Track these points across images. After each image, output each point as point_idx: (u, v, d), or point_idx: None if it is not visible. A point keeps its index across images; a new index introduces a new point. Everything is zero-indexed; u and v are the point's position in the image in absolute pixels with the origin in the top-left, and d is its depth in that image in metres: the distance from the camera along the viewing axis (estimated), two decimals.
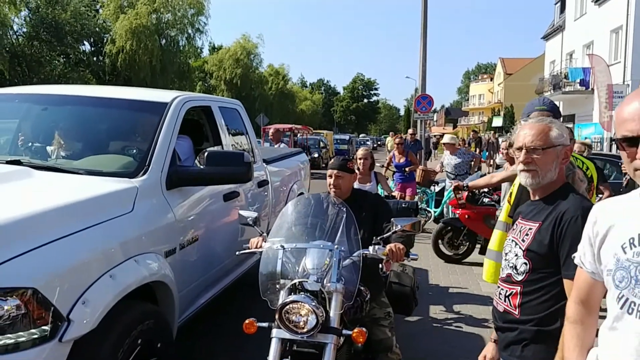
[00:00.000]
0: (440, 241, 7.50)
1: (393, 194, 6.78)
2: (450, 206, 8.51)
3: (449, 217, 7.75)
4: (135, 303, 2.77)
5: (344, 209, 2.94)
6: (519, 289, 2.08)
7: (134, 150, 3.57)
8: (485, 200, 7.16)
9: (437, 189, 10.18)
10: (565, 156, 2.12)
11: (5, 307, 2.12)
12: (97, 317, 2.39)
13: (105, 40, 35.42)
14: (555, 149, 2.08)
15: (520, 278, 2.08)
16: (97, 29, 35.16)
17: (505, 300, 2.13)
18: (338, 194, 3.25)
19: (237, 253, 3.12)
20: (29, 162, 3.34)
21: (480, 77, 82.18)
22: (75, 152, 3.62)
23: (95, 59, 36.73)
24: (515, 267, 2.09)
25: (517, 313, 2.09)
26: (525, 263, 2.06)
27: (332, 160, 3.40)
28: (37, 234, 2.35)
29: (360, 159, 6.19)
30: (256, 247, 2.95)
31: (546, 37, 34.57)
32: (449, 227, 7.45)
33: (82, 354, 2.35)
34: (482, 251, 7.25)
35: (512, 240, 2.16)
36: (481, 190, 7.07)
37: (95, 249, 2.58)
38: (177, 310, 3.22)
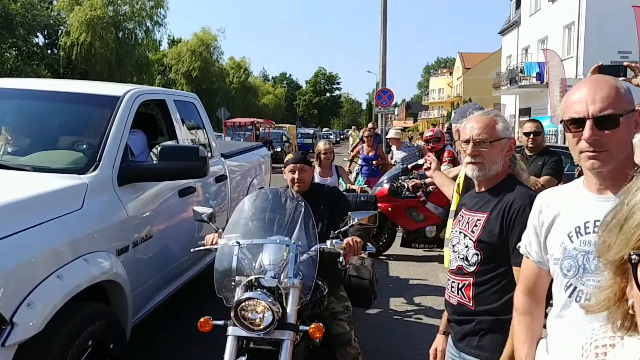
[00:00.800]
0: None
1: (353, 187, 6.74)
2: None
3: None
4: (85, 303, 2.68)
5: (302, 203, 2.91)
6: (471, 280, 2.09)
7: (84, 146, 3.46)
8: (405, 192, 7.08)
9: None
10: (510, 149, 2.16)
11: None
12: (43, 320, 2.30)
13: (59, 33, 34.43)
14: (501, 142, 2.11)
15: (472, 269, 2.08)
16: (51, 21, 34.13)
17: (458, 293, 2.13)
18: (302, 187, 3.25)
19: (191, 250, 3.07)
20: None
21: (439, 72, 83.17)
22: (22, 148, 3.50)
23: (49, 51, 35.67)
24: (466, 258, 2.09)
25: (471, 304, 2.09)
26: (477, 254, 2.06)
27: (290, 155, 3.37)
28: None
29: (322, 152, 6.13)
30: (211, 244, 2.89)
31: (502, 32, 35.27)
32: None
33: (28, 358, 2.26)
34: (403, 243, 7.40)
35: (460, 232, 2.15)
36: (403, 182, 7.06)
37: (42, 248, 2.47)
38: (130, 309, 3.13)
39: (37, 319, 2.28)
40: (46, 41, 36.33)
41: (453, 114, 3.38)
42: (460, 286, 2.12)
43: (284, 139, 29.43)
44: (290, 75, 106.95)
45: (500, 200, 2.08)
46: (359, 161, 9.51)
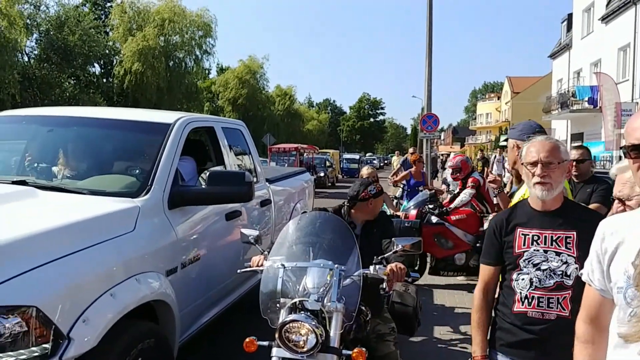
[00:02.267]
0: None
1: (397, 213, 6.73)
2: None
3: None
4: (135, 322, 2.79)
5: (346, 228, 2.94)
6: (570, 292, 2.21)
7: (137, 170, 3.63)
8: (434, 219, 6.97)
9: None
10: (569, 171, 2.39)
11: (7, 325, 2.15)
12: (97, 336, 2.42)
13: (114, 62, 35.90)
14: (563, 164, 2.29)
15: (571, 282, 2.21)
16: (107, 51, 35.65)
17: (557, 307, 2.23)
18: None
19: (238, 271, 3.12)
20: (34, 182, 3.40)
21: (487, 96, 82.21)
22: (79, 173, 3.68)
23: (104, 80, 37.21)
24: (566, 273, 2.22)
25: (569, 315, 2.18)
26: (577, 268, 2.19)
27: (378, 185, 3.55)
28: (39, 252, 2.40)
29: (367, 177, 6.14)
30: (257, 266, 2.94)
31: (553, 56, 34.67)
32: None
33: None
34: (432, 271, 7.14)
35: (548, 252, 2.25)
36: (428, 209, 7.00)
37: (97, 267, 2.62)
38: (178, 329, 3.24)
39: (92, 334, 2.40)
40: (102, 70, 37.95)
41: (509, 130, 3.36)
42: (560, 300, 2.23)
43: (327, 164, 29.62)
44: (334, 101, 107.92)
45: (580, 220, 2.26)
46: (403, 186, 9.53)
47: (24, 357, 2.19)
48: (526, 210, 2.37)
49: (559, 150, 2.28)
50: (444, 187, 10.07)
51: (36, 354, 2.22)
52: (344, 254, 2.80)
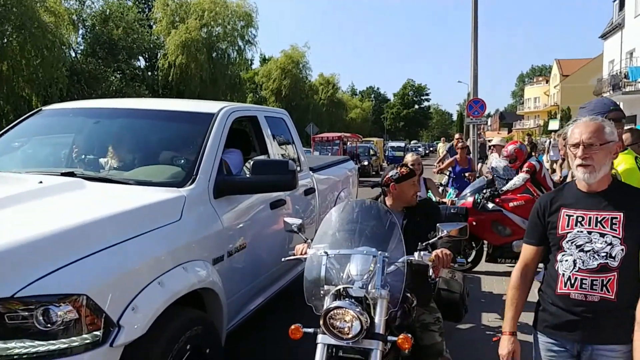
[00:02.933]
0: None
1: (443, 200, 6.59)
2: None
3: None
4: (183, 309, 2.82)
5: (389, 215, 2.91)
6: (616, 274, 2.20)
7: (182, 160, 3.67)
8: (490, 205, 6.83)
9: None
10: (615, 152, 2.28)
11: (59, 313, 2.20)
12: (146, 323, 2.46)
13: (158, 56, 36.59)
14: (608, 145, 2.24)
15: (616, 264, 2.20)
16: (151, 45, 36.36)
17: (602, 289, 2.21)
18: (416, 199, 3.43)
19: (282, 259, 3.13)
20: (82, 174, 3.48)
21: (535, 80, 80.00)
22: (126, 163, 3.74)
23: (149, 73, 37.97)
24: (610, 255, 2.19)
25: (614, 298, 2.19)
26: (622, 249, 2.19)
27: (404, 169, 3.38)
28: (88, 242, 2.44)
29: (412, 164, 6.03)
30: (301, 254, 2.94)
31: (604, 36, 33.39)
32: None
33: (133, 358, 2.41)
34: (489, 259, 7.01)
35: (592, 233, 2.23)
36: (485, 195, 6.83)
37: (145, 256, 2.65)
38: (225, 316, 3.27)
39: (141, 322, 2.44)
40: (147, 64, 38.75)
41: (579, 110, 3.21)
42: (605, 282, 2.20)
43: (371, 152, 29.42)
44: (378, 88, 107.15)
45: (629, 200, 2.25)
46: (448, 173, 9.37)
47: (75, 344, 2.23)
48: (572, 191, 2.36)
49: (602, 132, 2.24)
50: (486, 171, 9.82)
51: (87, 341, 2.26)
52: (387, 240, 2.77)
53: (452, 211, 4.95)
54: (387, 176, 3.37)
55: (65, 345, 2.21)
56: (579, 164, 2.24)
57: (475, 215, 6.78)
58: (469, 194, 7.13)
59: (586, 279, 2.23)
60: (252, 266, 3.78)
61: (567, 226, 2.29)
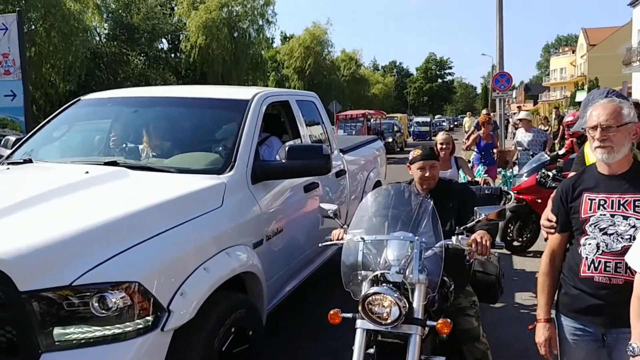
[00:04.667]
0: (509, 231, 7.02)
1: (477, 179, 6.51)
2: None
3: (514, 205, 7.16)
4: (228, 293, 2.92)
5: (425, 199, 2.90)
6: None
7: (220, 147, 3.74)
8: (554, 183, 6.63)
9: (516, 169, 9.84)
10: (636, 132, 2.28)
11: (113, 300, 2.29)
12: (194, 308, 2.54)
13: (181, 38, 36.70)
14: (627, 127, 2.24)
15: None
16: (172, 27, 36.46)
17: (626, 272, 2.20)
18: (432, 184, 3.28)
19: (320, 245, 3.15)
20: (124, 163, 3.57)
21: (561, 50, 78.17)
22: (164, 151, 3.83)
23: (172, 56, 38.14)
24: (634, 237, 2.18)
25: None
26: None
27: (418, 151, 3.33)
28: (138, 230, 2.54)
29: (441, 144, 5.81)
30: (337, 239, 2.95)
31: (633, 3, 32.40)
32: (520, 216, 6.98)
33: (182, 342, 2.51)
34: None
35: (615, 215, 2.23)
36: (548, 173, 6.72)
37: (191, 243, 2.74)
38: (265, 298, 3.36)
39: (189, 307, 2.53)
40: (169, 46, 38.93)
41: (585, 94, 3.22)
42: (628, 265, 2.17)
43: (395, 129, 29.22)
44: (400, 63, 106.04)
45: None
46: (475, 150, 9.30)
47: (129, 329, 2.33)
48: (593, 174, 2.37)
49: (619, 113, 2.24)
50: (513, 146, 9.74)
51: (140, 326, 2.35)
52: (424, 225, 2.76)
53: (486, 192, 4.87)
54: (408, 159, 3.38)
55: (120, 330, 2.31)
56: (598, 145, 2.25)
57: (538, 193, 6.67)
58: (526, 173, 7.03)
59: (610, 262, 2.23)
60: (288, 249, 3.86)
61: (590, 210, 2.30)
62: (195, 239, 2.78)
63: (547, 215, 2.52)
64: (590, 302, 2.30)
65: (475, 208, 2.87)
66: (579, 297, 2.34)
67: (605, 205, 2.27)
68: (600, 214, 2.27)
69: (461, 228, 2.84)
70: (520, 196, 6.94)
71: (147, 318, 2.38)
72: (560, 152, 7.32)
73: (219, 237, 2.95)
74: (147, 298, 2.38)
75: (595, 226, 2.27)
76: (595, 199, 2.30)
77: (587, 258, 2.30)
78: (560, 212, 2.44)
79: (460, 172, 6.10)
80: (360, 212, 2.95)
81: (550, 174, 6.69)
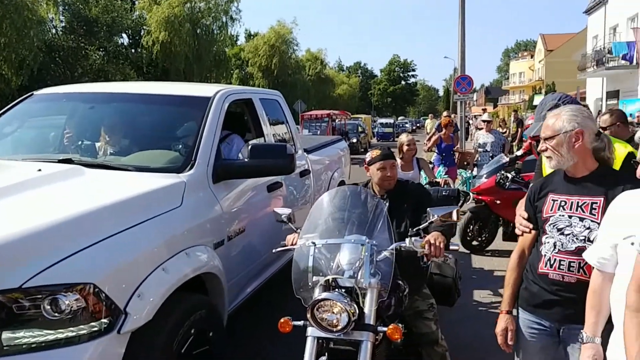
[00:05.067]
0: (468, 231, 7.12)
1: (437, 180, 6.57)
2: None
3: (474, 206, 7.34)
4: (187, 294, 2.85)
5: (380, 201, 2.85)
6: None
7: (180, 145, 3.66)
8: (512, 185, 6.82)
9: (476, 171, 10.01)
10: (576, 139, 2.34)
11: (67, 302, 2.21)
12: (152, 309, 2.48)
13: (142, 33, 36.02)
14: (559, 136, 2.35)
15: None
16: (133, 22, 35.73)
17: (579, 271, 2.29)
18: (392, 184, 3.25)
19: (273, 251, 3.06)
20: (80, 160, 3.45)
21: (520, 55, 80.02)
22: (122, 149, 3.72)
23: (133, 51, 37.39)
24: (588, 239, 2.26)
25: None
26: None
27: (377, 151, 3.30)
28: (93, 231, 2.45)
29: (407, 145, 5.87)
30: (292, 244, 2.85)
31: (588, 11, 33.39)
32: (479, 216, 7.09)
33: (140, 344, 2.44)
34: (509, 237, 6.93)
35: (572, 217, 2.32)
36: (507, 175, 6.86)
37: (148, 243, 2.66)
38: (226, 299, 3.31)
39: (147, 308, 2.46)
40: (130, 41, 38.12)
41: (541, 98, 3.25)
42: (582, 265, 2.26)
43: (360, 129, 29.44)
44: (364, 64, 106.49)
45: (610, 185, 2.30)
46: (436, 151, 9.43)
47: (83, 332, 2.25)
48: (559, 177, 2.47)
49: (552, 125, 2.38)
50: (473, 148, 9.97)
51: (95, 328, 2.28)
52: (379, 227, 2.71)
53: (444, 194, 4.89)
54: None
55: (74, 334, 2.23)
56: (545, 155, 2.46)
57: (497, 194, 6.81)
58: (485, 175, 7.13)
59: (564, 261, 2.32)
60: (250, 249, 3.81)
61: (551, 210, 2.40)
62: (154, 239, 2.70)
63: (522, 214, 2.60)
64: (546, 298, 2.39)
65: (428, 209, 2.83)
66: (537, 293, 2.43)
67: (565, 207, 2.36)
68: (559, 215, 2.36)
69: (414, 230, 2.82)
70: (480, 197, 7.06)
71: (102, 320, 2.31)
72: (519, 154, 7.47)
73: (178, 237, 2.88)
74: (102, 300, 2.31)
75: (553, 226, 2.37)
76: (557, 200, 2.40)
77: (545, 255, 2.39)
78: (529, 211, 2.55)
79: (422, 172, 6.17)
80: (314, 215, 2.84)
81: (509, 175, 6.83)
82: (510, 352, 2.61)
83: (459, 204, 4.99)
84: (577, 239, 2.30)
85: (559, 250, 2.34)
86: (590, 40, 32.42)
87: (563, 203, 2.37)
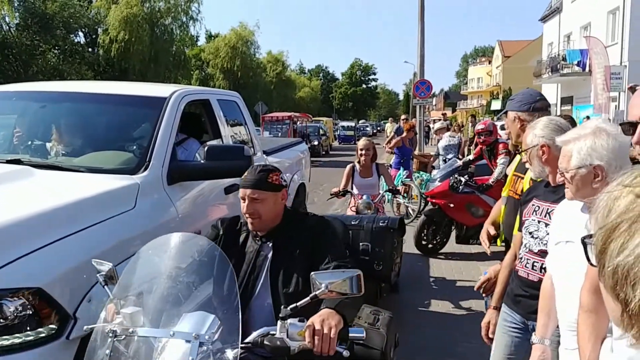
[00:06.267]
0: (423, 234, 7.14)
1: (398, 188, 6.50)
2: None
3: (429, 209, 7.41)
4: None
5: (223, 258, 1.88)
6: None
7: (134, 147, 3.59)
8: (466, 189, 6.94)
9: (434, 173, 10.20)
10: (543, 152, 2.42)
11: (12, 308, 2.14)
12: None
13: (99, 32, 35.27)
14: (534, 149, 2.46)
15: None
16: (89, 20, 34.94)
17: (540, 271, 2.39)
18: (258, 225, 2.30)
19: (84, 328, 2.15)
20: (29, 161, 3.34)
21: (478, 60, 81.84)
22: (74, 149, 3.63)
23: (90, 50, 36.56)
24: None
25: None
26: None
27: (246, 173, 2.39)
28: (41, 234, 2.38)
29: (361, 149, 5.77)
30: (112, 320, 1.76)
31: (544, 19, 34.44)
32: (433, 219, 7.12)
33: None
34: (461, 240, 7.14)
35: (540, 222, 2.42)
36: (460, 178, 6.96)
37: (99, 246, 2.60)
38: None
39: (96, 313, 2.37)
40: (86, 40, 37.26)
41: (508, 102, 3.24)
42: (543, 266, 2.36)
43: (321, 132, 29.55)
44: (326, 67, 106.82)
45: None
46: (396, 153, 9.58)
47: (31, 337, 2.19)
48: (543, 184, 2.57)
49: (525, 138, 2.51)
50: (434, 151, 10.27)
51: (43, 334, 2.22)
52: (258, 289, 2.15)
53: (381, 224, 3.84)
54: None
55: (20, 340, 2.17)
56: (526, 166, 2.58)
57: (451, 197, 6.91)
58: (439, 178, 7.22)
59: (530, 260, 2.45)
60: None
61: (527, 214, 2.51)
62: (105, 242, 2.65)
63: (489, 229, 2.71)
64: (515, 292, 2.53)
65: (312, 274, 1.85)
66: (512, 288, 2.57)
67: (537, 212, 2.46)
68: (532, 219, 2.47)
69: (289, 308, 1.80)
70: (433, 200, 7.15)
71: (51, 326, 2.25)
72: (470, 158, 7.62)
73: (131, 240, 2.81)
74: (51, 305, 2.25)
75: (526, 229, 2.48)
76: (534, 205, 2.49)
77: (519, 254, 2.54)
78: (517, 214, 2.67)
79: (382, 181, 6.10)
80: (131, 276, 1.85)
81: (462, 179, 6.94)
82: (489, 345, 2.71)
83: (403, 235, 4.42)
84: (541, 242, 2.40)
85: (529, 250, 2.46)
86: (546, 47, 33.43)
87: (537, 208, 2.47)
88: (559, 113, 25.30)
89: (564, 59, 26.47)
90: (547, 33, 33.90)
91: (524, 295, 2.47)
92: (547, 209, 2.42)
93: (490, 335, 2.67)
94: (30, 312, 2.19)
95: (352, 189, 5.83)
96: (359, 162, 5.81)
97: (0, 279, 2.14)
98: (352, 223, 3.90)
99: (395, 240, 4.06)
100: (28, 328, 2.18)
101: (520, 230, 2.60)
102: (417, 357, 4.06)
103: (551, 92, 30.74)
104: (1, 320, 2.13)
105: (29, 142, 3.80)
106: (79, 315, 2.33)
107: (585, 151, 1.93)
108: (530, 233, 2.46)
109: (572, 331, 1.91)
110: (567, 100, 28.13)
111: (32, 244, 2.31)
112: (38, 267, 2.27)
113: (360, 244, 3.83)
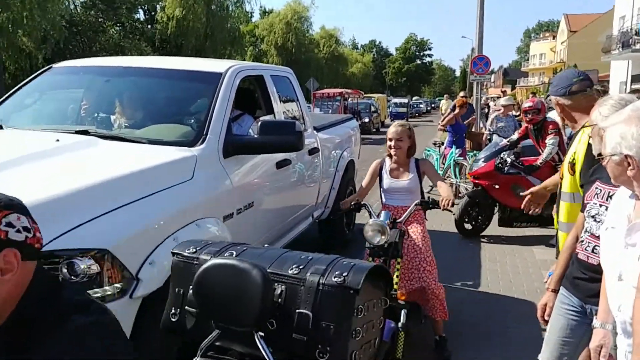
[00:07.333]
0: (465, 216, 6.97)
1: (436, 199, 4.24)
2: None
3: (472, 190, 7.19)
4: None
5: None
6: None
7: (192, 120, 3.75)
8: (511, 170, 6.72)
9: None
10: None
11: (82, 266, 2.33)
12: (163, 277, 2.58)
13: (157, 9, 36.02)
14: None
15: None
16: None
17: None
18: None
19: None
20: (96, 132, 3.56)
21: (541, 36, 78.83)
22: (136, 122, 3.82)
23: (149, 27, 37.45)
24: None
25: None
26: None
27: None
28: (109, 199, 2.57)
29: (391, 139, 3.96)
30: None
31: None
32: (477, 201, 6.95)
33: (150, 310, 2.56)
34: (504, 222, 6.90)
35: (602, 206, 2.35)
36: (506, 159, 6.75)
37: (161, 213, 2.77)
38: None
39: (158, 275, 2.58)
40: (146, 17, 38.16)
41: (551, 84, 3.18)
42: None
43: (372, 109, 29.11)
44: (380, 42, 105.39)
45: None
46: (449, 130, 9.46)
47: (98, 294, 2.37)
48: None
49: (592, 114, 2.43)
50: (487, 131, 10.03)
51: (108, 292, 2.40)
52: None
53: (334, 280, 1.90)
54: None
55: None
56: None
57: (496, 178, 6.71)
58: (483, 158, 6.98)
59: (591, 243, 2.40)
60: (259, 223, 3.92)
61: (589, 198, 2.45)
62: (165, 210, 2.82)
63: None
64: (574, 275, 2.49)
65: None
66: (571, 271, 2.54)
67: (599, 195, 2.40)
68: (594, 202, 2.41)
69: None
70: (477, 181, 6.95)
71: (116, 285, 2.42)
72: (514, 138, 7.29)
73: (189, 209, 2.99)
74: (116, 266, 2.42)
75: (588, 212, 2.44)
76: (597, 188, 2.42)
77: (580, 237, 2.49)
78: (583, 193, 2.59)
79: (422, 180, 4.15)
80: None
81: (508, 159, 6.74)
82: (544, 326, 2.70)
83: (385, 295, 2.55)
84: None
85: (590, 233, 2.41)
86: (617, 21, 31.71)
87: (598, 191, 2.41)
88: (628, 91, 24.18)
89: (637, 34, 25.10)
90: (619, 5, 32.06)
91: (583, 278, 2.44)
92: (609, 192, 2.35)
93: (546, 317, 2.65)
94: (98, 272, 2.37)
95: (380, 194, 4.13)
96: (389, 156, 4.06)
97: (71, 239, 2.32)
98: (287, 273, 2.02)
99: (360, 309, 1.97)
100: (95, 286, 2.37)
101: (582, 211, 2.54)
102: (467, 341, 4.08)
103: (621, 69, 29.27)
104: (72, 278, 2.31)
105: (95, 115, 4.03)
106: (141, 277, 2.51)
107: (615, 139, 1.85)
108: (592, 216, 2.42)
109: (619, 312, 1.91)
110: (638, 78, 26.75)
111: (100, 209, 2.49)
112: (106, 230, 2.45)
113: (297, 311, 1.97)
